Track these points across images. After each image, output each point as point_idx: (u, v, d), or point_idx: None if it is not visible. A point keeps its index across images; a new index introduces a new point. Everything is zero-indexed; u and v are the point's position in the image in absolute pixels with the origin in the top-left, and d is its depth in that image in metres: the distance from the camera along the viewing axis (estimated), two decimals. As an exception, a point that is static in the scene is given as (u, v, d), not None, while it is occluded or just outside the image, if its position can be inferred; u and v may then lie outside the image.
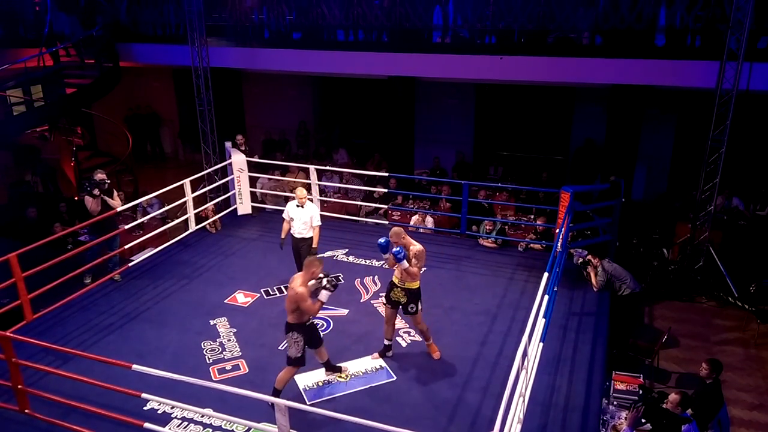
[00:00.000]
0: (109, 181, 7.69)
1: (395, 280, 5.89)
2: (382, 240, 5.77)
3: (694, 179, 9.22)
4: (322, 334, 6.43)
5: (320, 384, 5.77)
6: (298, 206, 7.26)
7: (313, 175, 9.36)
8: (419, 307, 5.92)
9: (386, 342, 6.16)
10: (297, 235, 7.34)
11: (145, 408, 5.37)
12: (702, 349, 7.68)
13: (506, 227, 9.23)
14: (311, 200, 7.91)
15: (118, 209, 7.73)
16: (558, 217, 7.91)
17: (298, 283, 5.30)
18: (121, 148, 12.82)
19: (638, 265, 9.21)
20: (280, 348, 6.30)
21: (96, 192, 7.48)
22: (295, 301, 5.26)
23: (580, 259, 7.77)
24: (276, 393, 5.34)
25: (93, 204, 7.51)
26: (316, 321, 6.76)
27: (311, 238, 7.32)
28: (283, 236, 7.46)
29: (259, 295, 7.42)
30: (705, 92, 8.91)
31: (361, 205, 10.50)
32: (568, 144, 12.38)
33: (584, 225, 8.51)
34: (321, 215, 9.60)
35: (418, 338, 6.47)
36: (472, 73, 10.30)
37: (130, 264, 7.96)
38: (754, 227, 9.60)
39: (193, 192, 8.70)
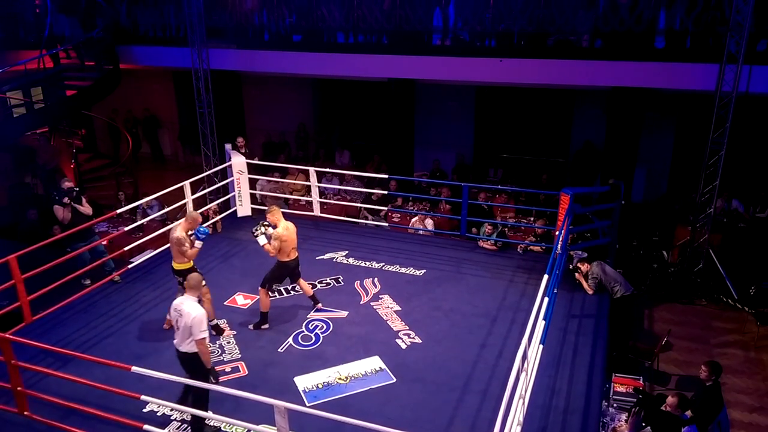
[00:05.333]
0: (77, 189, 7.71)
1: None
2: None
3: (694, 182, 9.22)
4: (322, 336, 6.49)
5: (320, 386, 5.76)
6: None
7: (313, 177, 9.37)
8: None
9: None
10: None
11: (144, 410, 5.37)
12: (702, 352, 7.68)
13: (506, 229, 9.23)
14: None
15: (116, 213, 7.73)
16: (558, 220, 7.91)
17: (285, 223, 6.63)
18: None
19: (638, 268, 9.22)
20: (279, 350, 6.30)
21: (66, 200, 7.47)
22: None
23: (570, 266, 7.76)
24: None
25: (63, 213, 7.51)
26: (316, 323, 6.80)
27: None
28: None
29: (258, 297, 7.40)
30: (704, 95, 8.91)
31: (361, 207, 10.50)
32: (567, 146, 12.39)
33: (584, 227, 8.51)
34: (321, 217, 9.65)
35: (418, 340, 6.47)
36: (472, 75, 10.31)
37: (129, 266, 7.95)
38: (753, 230, 9.60)
39: (192, 194, 8.70)
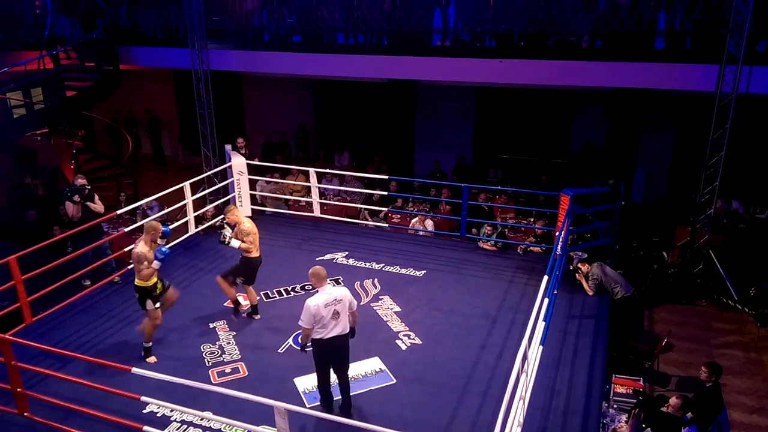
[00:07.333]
0: (89, 187, 7.68)
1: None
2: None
3: (694, 182, 9.22)
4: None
5: (320, 387, 5.75)
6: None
7: (313, 178, 9.37)
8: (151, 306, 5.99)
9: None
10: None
11: (144, 411, 5.36)
12: (702, 353, 7.67)
13: (506, 230, 9.23)
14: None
15: (116, 213, 7.71)
16: (558, 220, 7.91)
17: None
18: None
19: (638, 268, 9.22)
20: (279, 351, 6.30)
21: (77, 198, 7.45)
22: None
23: (571, 267, 7.77)
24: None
25: (74, 210, 7.49)
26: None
27: None
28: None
29: (258, 297, 7.40)
30: (704, 95, 8.92)
31: (361, 208, 10.50)
32: (567, 147, 12.40)
33: (584, 228, 8.51)
34: (321, 218, 9.60)
35: (418, 341, 6.47)
36: (472, 76, 10.31)
37: (129, 267, 7.94)
38: (753, 230, 9.60)
39: (192, 195, 8.70)
